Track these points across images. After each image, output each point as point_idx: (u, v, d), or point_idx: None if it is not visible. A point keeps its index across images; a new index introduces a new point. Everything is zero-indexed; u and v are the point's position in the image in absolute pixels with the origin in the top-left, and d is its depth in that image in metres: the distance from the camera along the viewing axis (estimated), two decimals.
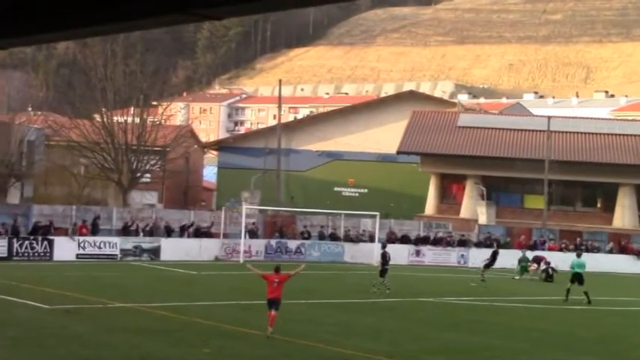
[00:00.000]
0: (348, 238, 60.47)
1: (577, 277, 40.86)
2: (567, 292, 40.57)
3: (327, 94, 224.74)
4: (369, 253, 57.17)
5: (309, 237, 60.80)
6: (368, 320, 30.70)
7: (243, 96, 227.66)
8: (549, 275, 52.52)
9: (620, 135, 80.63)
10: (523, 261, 54.45)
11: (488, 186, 77.92)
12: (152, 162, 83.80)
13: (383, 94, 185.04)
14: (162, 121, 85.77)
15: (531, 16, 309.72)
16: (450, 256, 62.05)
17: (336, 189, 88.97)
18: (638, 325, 34.35)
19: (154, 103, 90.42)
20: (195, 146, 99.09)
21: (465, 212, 78.84)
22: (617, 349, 27.54)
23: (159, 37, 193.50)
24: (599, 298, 43.41)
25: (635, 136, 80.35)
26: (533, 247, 63.84)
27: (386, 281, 39.24)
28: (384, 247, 42.56)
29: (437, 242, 63.07)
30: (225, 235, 57.71)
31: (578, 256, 43.05)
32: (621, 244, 67.88)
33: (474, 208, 77.28)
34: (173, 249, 54.34)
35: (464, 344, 26.63)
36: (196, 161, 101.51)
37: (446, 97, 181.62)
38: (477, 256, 58.16)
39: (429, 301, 38.09)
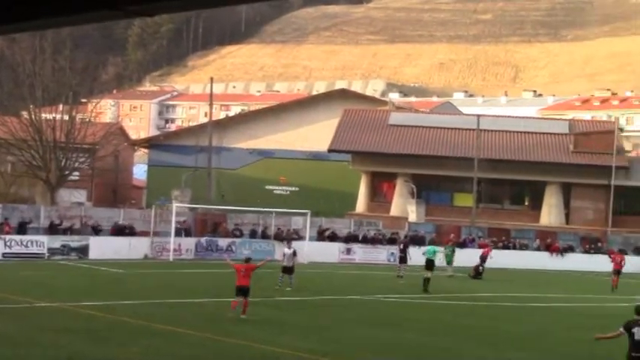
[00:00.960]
0: (279, 237, 60.46)
1: (429, 263, 43.02)
2: (425, 281, 42.11)
3: (259, 91, 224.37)
4: (299, 251, 57.09)
5: (241, 235, 60.67)
6: (299, 318, 30.74)
7: (175, 93, 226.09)
8: (478, 272, 53.08)
9: (547, 134, 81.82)
10: (448, 249, 54.59)
11: (418, 184, 78.50)
12: (81, 160, 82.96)
13: (314, 93, 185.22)
14: (92, 118, 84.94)
15: (462, 15, 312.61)
16: (380, 254, 62.39)
17: (267, 187, 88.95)
18: (563, 321, 34.89)
19: (84, 100, 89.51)
20: (125, 144, 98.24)
21: (395, 210, 79.34)
22: (543, 345, 27.95)
23: (89, 33, 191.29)
24: (525, 295, 44.04)
25: (561, 134, 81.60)
26: (462, 245, 64.53)
27: (292, 280, 39.12)
28: (289, 245, 42.52)
29: (367, 240, 63.34)
30: (155, 234, 57.31)
31: (430, 243, 44.85)
32: (547, 242, 68.90)
33: (404, 206, 77.80)
34: (102, 248, 53.80)
35: (393, 341, 26.81)
36: (126, 159, 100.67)
37: (377, 95, 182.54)
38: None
39: (360, 299, 38.27)
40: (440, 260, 51.80)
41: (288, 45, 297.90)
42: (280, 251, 59.02)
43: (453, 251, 54.17)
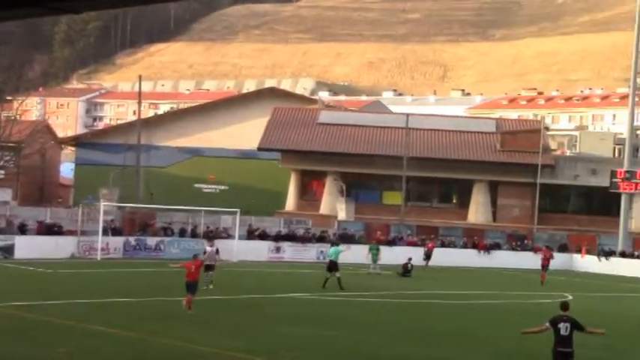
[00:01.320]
0: (208, 235, 60.18)
1: (332, 265, 42.85)
2: (325, 281, 42.20)
3: (188, 90, 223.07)
4: (228, 250, 57.03)
5: (172, 234, 60.32)
6: (227, 317, 30.67)
7: (102, 91, 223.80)
8: (407, 270, 53.43)
9: (475, 133, 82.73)
10: (373, 249, 54.92)
11: (347, 182, 78.82)
12: (6, 158, 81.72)
13: (244, 91, 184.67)
14: (17, 116, 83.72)
15: (390, 14, 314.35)
16: (309, 252, 62.49)
17: (196, 185, 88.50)
18: (490, 319, 35.31)
19: (9, 97, 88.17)
20: (52, 142, 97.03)
21: (324, 208, 79.56)
22: (469, 342, 28.26)
23: (14, 30, 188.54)
24: (453, 292, 44.46)
25: (489, 133, 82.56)
26: (391, 243, 64.99)
27: (213, 277, 38.87)
28: (212, 243, 42.27)
29: (297, 238, 63.40)
30: (83, 233, 56.70)
31: (333, 245, 46.33)
32: (474, 239, 69.64)
33: (334, 204, 78.08)
34: (28, 247, 53.00)
35: (323, 339, 26.89)
36: (53, 157, 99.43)
37: (307, 94, 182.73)
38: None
39: (289, 297, 38.30)
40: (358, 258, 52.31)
41: (217, 43, 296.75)
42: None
43: (378, 249, 54.44)
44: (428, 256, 62.81)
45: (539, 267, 55.60)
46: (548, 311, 22.39)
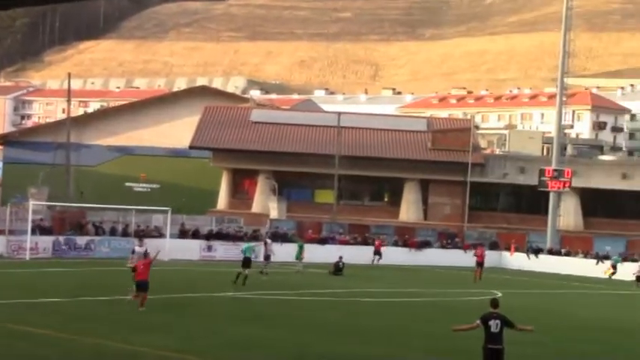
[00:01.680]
0: (139, 234, 59.63)
1: (246, 261, 43.70)
2: (237, 276, 42.67)
3: (118, 88, 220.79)
4: (160, 248, 56.50)
5: (103, 233, 59.64)
6: (161, 316, 30.39)
7: (31, 89, 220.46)
8: (339, 269, 53.49)
9: (406, 131, 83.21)
10: (299, 247, 54.98)
11: (279, 181, 78.75)
12: None
13: (175, 89, 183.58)
14: None
15: (322, 13, 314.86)
16: (240, 251, 62.07)
17: (127, 184, 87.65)
18: (422, 316, 35.49)
19: None
20: None
21: (256, 207, 79.40)
22: (402, 339, 28.37)
23: None
24: (385, 290, 44.64)
25: (420, 132, 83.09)
26: (323, 241, 65.05)
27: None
28: (141, 243, 41.47)
29: (228, 237, 63.03)
30: (11, 232, 55.76)
31: (248, 241, 48.80)
32: (405, 237, 69.90)
33: (266, 202, 77.95)
34: None
35: (255, 338, 26.79)
36: None
37: (238, 92, 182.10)
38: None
39: (221, 296, 38.10)
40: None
41: (148, 41, 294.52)
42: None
43: (302, 247, 54.43)
44: (377, 252, 63.91)
45: (471, 264, 56.16)
46: (479, 308, 22.55)
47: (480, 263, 55.93)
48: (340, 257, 54.46)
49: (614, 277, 61.94)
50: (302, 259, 53.48)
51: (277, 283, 45.06)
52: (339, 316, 33.39)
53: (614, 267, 62.99)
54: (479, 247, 59.99)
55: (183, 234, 62.00)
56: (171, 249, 57.27)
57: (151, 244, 51.85)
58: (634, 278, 58.72)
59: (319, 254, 60.29)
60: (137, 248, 39.18)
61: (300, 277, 50.06)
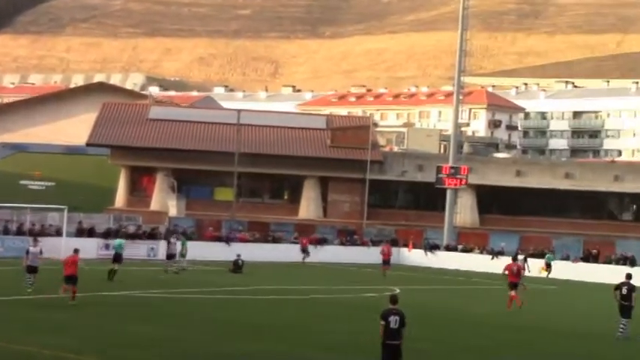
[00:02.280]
0: (33, 233, 58.56)
1: (117, 257, 45.20)
2: (110, 272, 43.51)
3: (13, 84, 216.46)
4: (55, 248, 55.65)
5: None
6: (56, 316, 29.93)
7: None
8: (238, 266, 53.37)
9: (305, 129, 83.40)
10: (182, 244, 54.74)
11: (178, 179, 78.21)
12: None
13: (72, 86, 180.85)
14: None
15: (221, 10, 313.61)
16: (139, 249, 61.56)
17: (21, 182, 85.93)
18: (321, 313, 35.64)
19: None
20: None
21: (155, 205, 78.70)
22: (302, 336, 28.47)
23: None
24: (284, 287, 44.72)
25: (319, 129, 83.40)
26: (226, 240, 64.81)
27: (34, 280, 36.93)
28: (36, 242, 40.53)
29: (127, 235, 62.29)
30: None
31: (118, 237, 50.75)
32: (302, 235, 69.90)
33: (165, 200, 77.33)
34: None
35: (152, 337, 26.58)
36: None
37: (137, 89, 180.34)
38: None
39: (119, 295, 37.69)
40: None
41: (43, 36, 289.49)
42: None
43: (184, 244, 54.22)
44: (304, 250, 65.16)
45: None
46: (377, 305, 22.75)
47: (386, 261, 57.01)
48: (238, 255, 54.35)
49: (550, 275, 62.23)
50: (185, 256, 53.13)
51: (175, 281, 44.76)
52: (238, 314, 33.34)
53: (548, 265, 63.19)
54: (385, 245, 60.86)
55: (80, 232, 61.08)
56: (68, 248, 56.35)
57: (47, 243, 51.13)
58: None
59: (220, 252, 60.19)
60: (31, 248, 37.65)
61: (199, 275, 49.79)
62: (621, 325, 31.15)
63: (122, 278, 43.33)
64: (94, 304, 34.10)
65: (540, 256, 65.98)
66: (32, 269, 36.58)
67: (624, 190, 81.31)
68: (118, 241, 48.83)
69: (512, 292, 39.03)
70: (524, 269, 40.91)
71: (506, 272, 40.05)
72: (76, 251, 34.87)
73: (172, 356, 24.07)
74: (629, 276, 32.23)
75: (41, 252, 37.48)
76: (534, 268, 61.39)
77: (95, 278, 44.88)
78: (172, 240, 52.69)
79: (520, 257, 51.98)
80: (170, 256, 50.70)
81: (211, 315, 32.71)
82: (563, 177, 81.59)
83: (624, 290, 31.34)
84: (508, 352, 28.05)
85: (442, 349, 27.40)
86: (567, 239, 71.66)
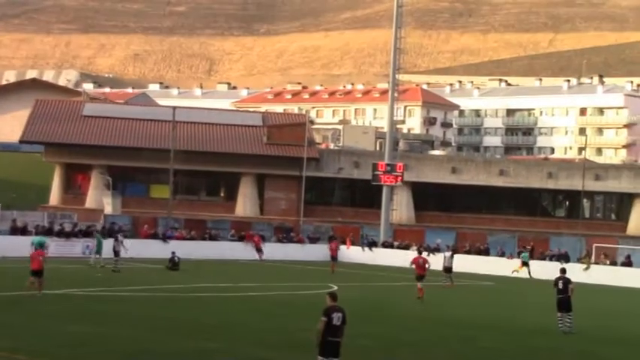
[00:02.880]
0: None
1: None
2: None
3: None
4: None
5: None
6: None
7: None
8: (175, 264, 53.04)
9: (241, 126, 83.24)
10: (98, 241, 54.49)
11: (114, 176, 77.51)
12: None
13: (4, 82, 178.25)
14: None
15: (155, 7, 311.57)
16: (74, 247, 60.88)
17: None
18: (259, 311, 35.51)
19: None
20: None
21: (90, 202, 77.98)
22: (240, 334, 28.37)
23: None
24: (222, 285, 44.57)
25: (255, 127, 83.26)
26: (163, 238, 64.35)
27: None
28: None
29: (61, 233, 61.55)
30: None
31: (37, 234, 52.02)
32: (242, 233, 69.72)
33: (100, 198, 76.65)
34: None
35: (92, 336, 26.27)
36: None
37: (70, 85, 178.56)
38: (105, 246, 58.08)
39: (54, 294, 37.19)
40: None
41: None
42: None
43: (100, 240, 54.04)
44: (259, 249, 65.97)
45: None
46: (317, 302, 22.72)
47: (334, 257, 59.28)
48: (173, 252, 54.00)
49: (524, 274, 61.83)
50: (101, 253, 53.09)
51: (111, 279, 44.33)
52: (176, 312, 33.09)
53: (524, 264, 62.11)
54: (333, 242, 61.75)
55: (14, 230, 60.18)
56: (2, 246, 55.60)
57: None
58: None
59: (156, 250, 59.83)
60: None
61: (137, 273, 49.38)
62: (567, 320, 31.62)
63: (58, 276, 42.76)
64: (26, 303, 33.59)
65: (478, 252, 66.69)
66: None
67: (558, 187, 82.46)
68: (37, 238, 49.12)
69: (419, 284, 41.17)
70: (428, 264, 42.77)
71: (414, 265, 42.26)
72: (41, 245, 37.64)
73: (108, 354, 23.79)
74: (563, 270, 33.00)
75: None
76: (507, 267, 61.93)
77: (26, 277, 44.23)
78: (120, 237, 52.93)
79: (447, 254, 52.13)
80: (116, 253, 50.85)
81: (151, 312, 32.43)
82: (498, 174, 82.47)
83: (560, 284, 31.98)
84: (448, 347, 28.23)
85: (382, 345, 27.48)
86: (502, 236, 72.40)
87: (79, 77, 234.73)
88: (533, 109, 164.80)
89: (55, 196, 79.61)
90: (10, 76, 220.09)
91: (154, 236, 64.70)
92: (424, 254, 46.23)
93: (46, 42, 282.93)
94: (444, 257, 51.92)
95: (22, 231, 60.57)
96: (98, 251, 53.55)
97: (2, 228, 58.66)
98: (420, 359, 26.17)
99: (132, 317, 30.90)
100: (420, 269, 41.80)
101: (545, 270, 58.13)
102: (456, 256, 55.49)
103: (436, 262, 51.39)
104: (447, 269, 50.95)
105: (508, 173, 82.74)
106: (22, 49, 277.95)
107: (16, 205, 67.72)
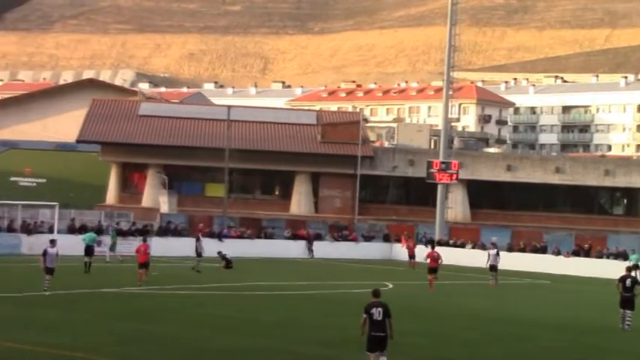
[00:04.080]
0: (26, 229, 58.40)
1: (88, 250, 46.84)
2: (85, 265, 45.42)
3: (2, 80, 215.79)
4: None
5: None
6: (48, 314, 29.82)
7: None
8: (229, 262, 53.21)
9: (296, 124, 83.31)
10: (113, 237, 54.89)
11: (169, 175, 78.05)
12: None
13: (62, 82, 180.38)
14: None
15: (210, 6, 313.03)
16: (131, 246, 61.30)
17: (12, 179, 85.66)
18: (315, 309, 35.56)
19: None
20: None
21: (146, 201, 78.55)
22: (296, 333, 28.43)
23: None
24: (278, 283, 44.65)
25: (310, 125, 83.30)
26: (219, 237, 64.59)
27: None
28: (53, 244, 39.99)
29: (120, 232, 61.97)
30: None
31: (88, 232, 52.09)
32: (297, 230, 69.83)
33: (156, 197, 77.18)
34: None
35: (150, 334, 26.49)
36: None
37: (126, 85, 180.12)
38: (161, 244, 58.72)
39: (113, 292, 37.59)
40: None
41: (32, 33, 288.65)
42: (27, 244, 56.96)
43: (115, 237, 54.54)
44: (310, 249, 67.02)
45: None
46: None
47: (412, 255, 61.00)
48: (219, 252, 54.20)
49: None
50: (115, 250, 53.64)
51: (168, 278, 44.66)
52: (233, 310, 33.23)
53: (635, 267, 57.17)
54: (409, 240, 64.41)
55: (71, 229, 60.84)
56: (60, 244, 56.22)
57: (40, 240, 50.99)
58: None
59: (210, 249, 60.13)
60: (50, 249, 36.47)
61: (192, 272, 49.69)
62: (627, 318, 31.42)
63: (116, 275, 43.22)
64: (87, 301, 33.97)
65: (534, 250, 66.13)
66: (50, 270, 36.10)
67: (615, 184, 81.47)
68: (89, 234, 49.86)
69: (430, 276, 44.82)
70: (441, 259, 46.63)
71: (429, 259, 45.83)
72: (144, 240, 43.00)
73: (169, 353, 23.98)
74: (630, 268, 32.92)
75: (57, 254, 36.82)
76: (564, 265, 61.40)
77: (85, 275, 44.74)
78: (200, 237, 52.64)
79: (492, 252, 51.07)
80: (199, 254, 50.51)
81: (208, 311, 32.62)
82: (554, 172, 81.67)
83: (628, 282, 31.77)
84: (505, 346, 28.03)
85: (435, 344, 27.38)
86: (559, 234, 71.69)
87: (135, 77, 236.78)
88: (590, 106, 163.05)
89: (111, 196, 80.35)
90: (67, 77, 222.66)
91: (210, 235, 64.97)
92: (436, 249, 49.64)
93: (102, 42, 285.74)
94: (489, 255, 51.21)
95: (80, 230, 61.19)
96: (112, 248, 54.13)
97: (60, 227, 59.30)
98: (476, 358, 25.96)
99: (190, 315, 31.10)
100: (434, 262, 45.29)
101: (602, 269, 57.44)
102: (509, 254, 55.00)
103: (482, 259, 51.18)
104: (493, 267, 50.27)
105: (564, 171, 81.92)
106: (80, 49, 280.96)
107: (73, 204, 68.50)
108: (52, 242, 37.61)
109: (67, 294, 35.82)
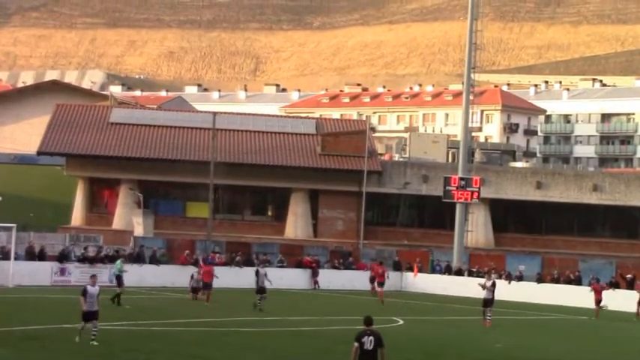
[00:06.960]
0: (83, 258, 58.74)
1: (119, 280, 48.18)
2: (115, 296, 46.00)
3: None
4: (3, 273, 55.55)
5: None
6: (2, 352, 29.77)
7: None
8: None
9: (292, 134, 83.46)
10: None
11: (145, 192, 78.09)
12: None
13: (20, 84, 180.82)
14: None
15: None
16: (100, 275, 61.23)
17: None
18: (312, 347, 35.47)
19: None
20: None
21: (118, 223, 78.59)
22: None
23: None
24: (268, 319, 44.52)
25: (308, 135, 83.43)
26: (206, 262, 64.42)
27: None
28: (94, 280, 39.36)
29: (85, 259, 62.01)
30: None
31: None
32: (298, 257, 69.70)
33: (129, 217, 77.21)
34: None
35: None
36: None
37: (96, 88, 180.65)
38: (137, 272, 58.56)
39: (75, 328, 37.45)
40: None
41: None
42: None
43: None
44: (315, 281, 67.45)
45: (368, 287, 56.65)
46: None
47: (381, 283, 58.40)
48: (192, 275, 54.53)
49: None
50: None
51: (142, 310, 44.52)
52: (208, 350, 32.92)
53: None
54: (377, 265, 61.84)
55: (31, 255, 60.75)
56: (17, 273, 56.24)
57: None
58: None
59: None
60: (90, 288, 32.92)
61: (169, 304, 49.62)
62: None
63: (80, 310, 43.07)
64: (50, 337, 33.83)
65: (568, 281, 65.98)
66: (90, 315, 32.82)
67: None
68: (117, 264, 53.14)
69: (379, 289, 55.52)
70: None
71: (373, 272, 55.65)
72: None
73: None
74: None
75: (98, 293, 33.09)
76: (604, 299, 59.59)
77: (48, 308, 44.59)
78: (261, 270, 50.53)
79: (488, 283, 48.94)
80: (261, 290, 48.57)
81: (185, 350, 32.50)
82: (591, 190, 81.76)
83: None
84: None
85: None
86: (597, 262, 71.57)
87: (106, 79, 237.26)
88: (633, 114, 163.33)
89: (77, 216, 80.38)
90: (27, 78, 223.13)
91: (194, 262, 64.60)
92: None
93: (68, 38, 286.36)
94: (484, 286, 48.80)
95: (40, 256, 61.09)
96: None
97: (18, 252, 59.21)
98: None
99: (163, 356, 30.98)
100: (380, 277, 55.89)
101: None
102: (539, 285, 54.59)
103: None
104: (487, 302, 47.74)
105: (603, 189, 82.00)
106: (41, 46, 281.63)
107: (33, 225, 68.50)
108: (93, 278, 33.87)
109: (24, 330, 35.72)
